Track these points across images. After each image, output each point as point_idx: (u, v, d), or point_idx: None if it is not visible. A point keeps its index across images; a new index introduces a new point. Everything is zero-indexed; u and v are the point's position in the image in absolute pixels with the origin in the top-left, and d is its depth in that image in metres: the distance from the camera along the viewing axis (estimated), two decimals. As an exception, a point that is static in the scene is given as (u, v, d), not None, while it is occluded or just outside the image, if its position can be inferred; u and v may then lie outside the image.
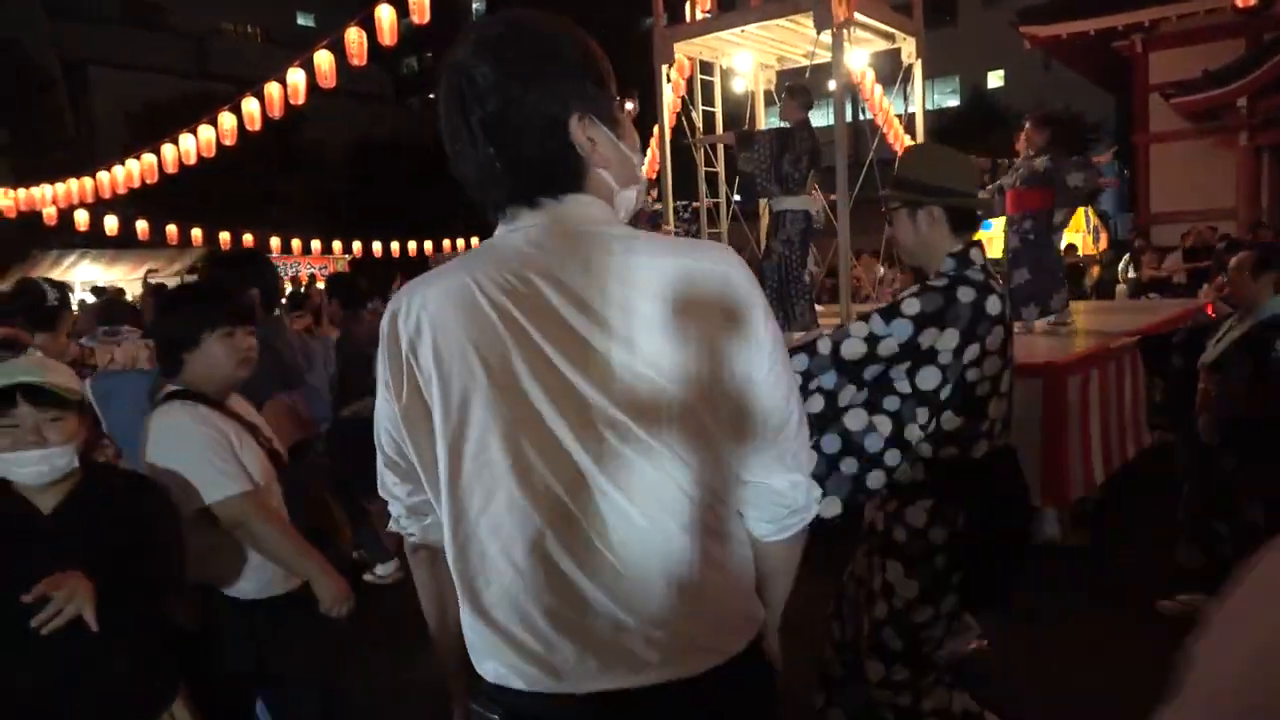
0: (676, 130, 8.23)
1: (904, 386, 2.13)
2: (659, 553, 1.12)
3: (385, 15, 8.81)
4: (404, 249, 22.42)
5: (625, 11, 27.25)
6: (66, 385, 1.90)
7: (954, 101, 28.01)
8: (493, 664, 1.18)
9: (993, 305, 2.13)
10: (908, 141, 9.31)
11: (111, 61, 29.99)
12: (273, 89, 10.00)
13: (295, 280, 18.25)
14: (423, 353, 1.14)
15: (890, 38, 7.67)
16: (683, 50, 7.84)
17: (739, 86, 8.65)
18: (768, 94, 8.74)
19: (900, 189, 2.30)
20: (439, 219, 25.95)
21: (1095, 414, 4.71)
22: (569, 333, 1.10)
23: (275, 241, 19.61)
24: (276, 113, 10.14)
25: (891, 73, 8.25)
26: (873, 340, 2.11)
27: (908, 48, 7.73)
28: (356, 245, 21.53)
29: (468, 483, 1.14)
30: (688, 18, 8.52)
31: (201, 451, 2.13)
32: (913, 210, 2.26)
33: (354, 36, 9.14)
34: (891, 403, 2.15)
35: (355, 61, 9.31)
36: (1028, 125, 6.35)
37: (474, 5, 42.59)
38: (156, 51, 31.67)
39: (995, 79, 27.91)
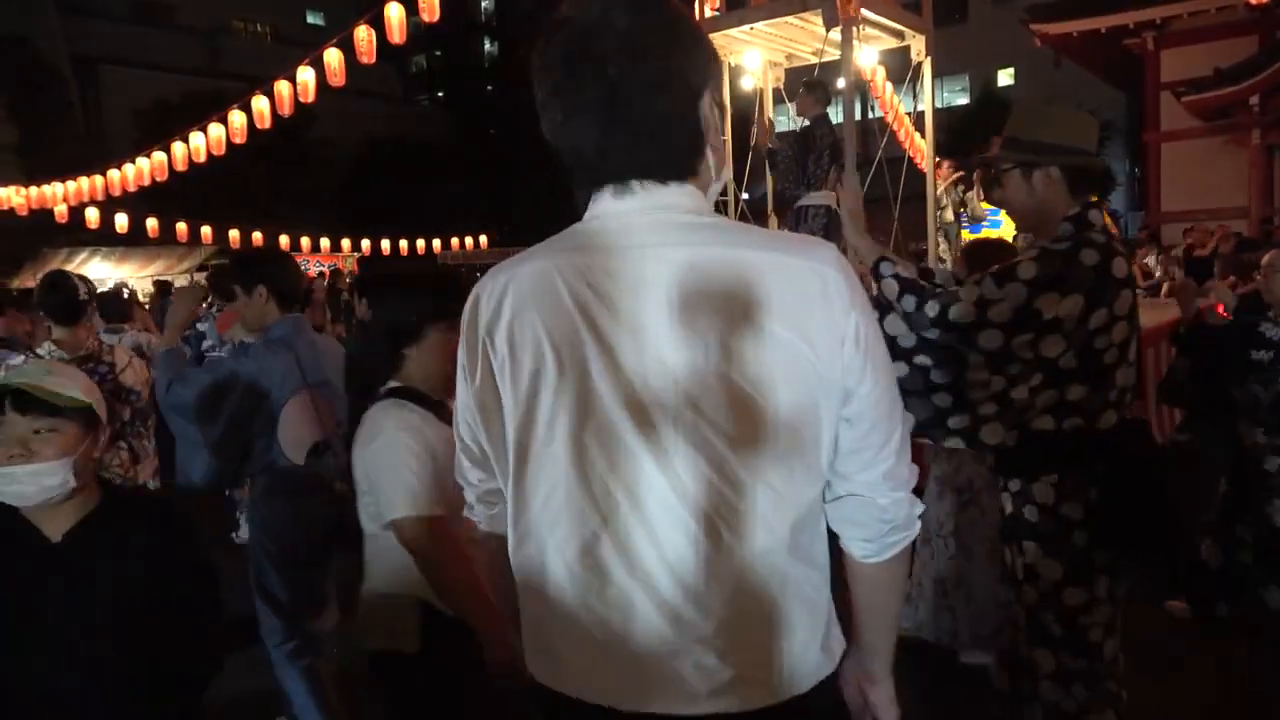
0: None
1: (1027, 354, 2.03)
2: (716, 569, 1.05)
3: (395, 13, 8.81)
4: (412, 247, 22.45)
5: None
6: (62, 391, 1.64)
7: (964, 99, 27.91)
8: (540, 664, 1.15)
9: (1118, 268, 2.00)
10: (918, 140, 9.26)
11: (121, 59, 30.14)
12: (282, 87, 10.02)
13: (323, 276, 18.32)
14: (498, 338, 1.10)
15: (899, 35, 7.64)
16: (691, 48, 7.82)
17: (748, 85, 8.63)
18: (776, 92, 8.72)
19: (1013, 149, 2.14)
20: (448, 216, 26.03)
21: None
22: (646, 326, 1.04)
23: (284, 239, 19.63)
24: (286, 111, 10.17)
25: (901, 71, 8.22)
26: (983, 305, 1.99)
27: (917, 45, 7.70)
28: (365, 243, 21.57)
29: (532, 474, 1.10)
30: (696, 15, 8.51)
31: (394, 462, 1.92)
32: (1028, 171, 2.11)
33: (363, 35, 9.15)
34: (1013, 368, 2.06)
35: (365, 60, 9.33)
36: None
37: (482, 4, 42.64)
38: (166, 49, 31.80)
39: (1005, 77, 27.81)
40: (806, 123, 6.07)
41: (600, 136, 1.06)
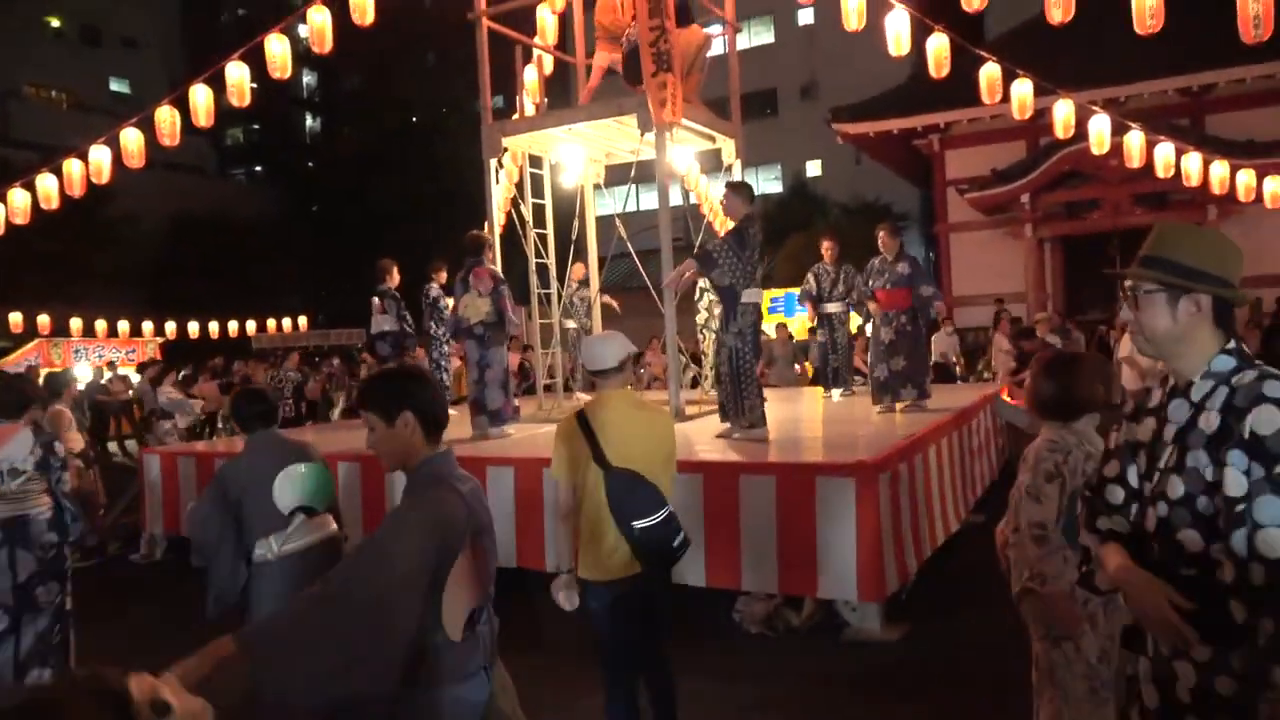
0: (507, 223, 8.26)
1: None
2: None
3: (201, 97, 8.44)
4: (224, 329, 21.27)
5: (466, 92, 27.42)
6: None
7: (778, 188, 29.66)
8: None
9: None
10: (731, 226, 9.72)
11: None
12: (72, 166, 9.33)
13: (111, 366, 16.83)
14: None
15: (711, 138, 8.05)
16: (511, 144, 7.92)
17: (568, 181, 8.81)
18: (596, 187, 8.97)
19: (1156, 269, 1.93)
20: (267, 298, 24.88)
21: (906, 505, 4.95)
22: None
23: (76, 323, 18.16)
24: (77, 192, 9.46)
25: (719, 162, 8.64)
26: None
27: (728, 148, 8.13)
28: (170, 326, 20.22)
29: None
30: (519, 108, 8.65)
31: None
32: (1174, 296, 1.91)
33: (165, 116, 8.68)
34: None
35: (167, 141, 8.82)
36: (883, 233, 7.50)
37: (305, 79, 41.78)
38: (-56, 114, 29.17)
39: (815, 168, 29.82)
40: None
41: None
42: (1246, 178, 11.13)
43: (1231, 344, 1.90)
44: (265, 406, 3.61)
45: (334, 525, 3.31)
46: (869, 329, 7.97)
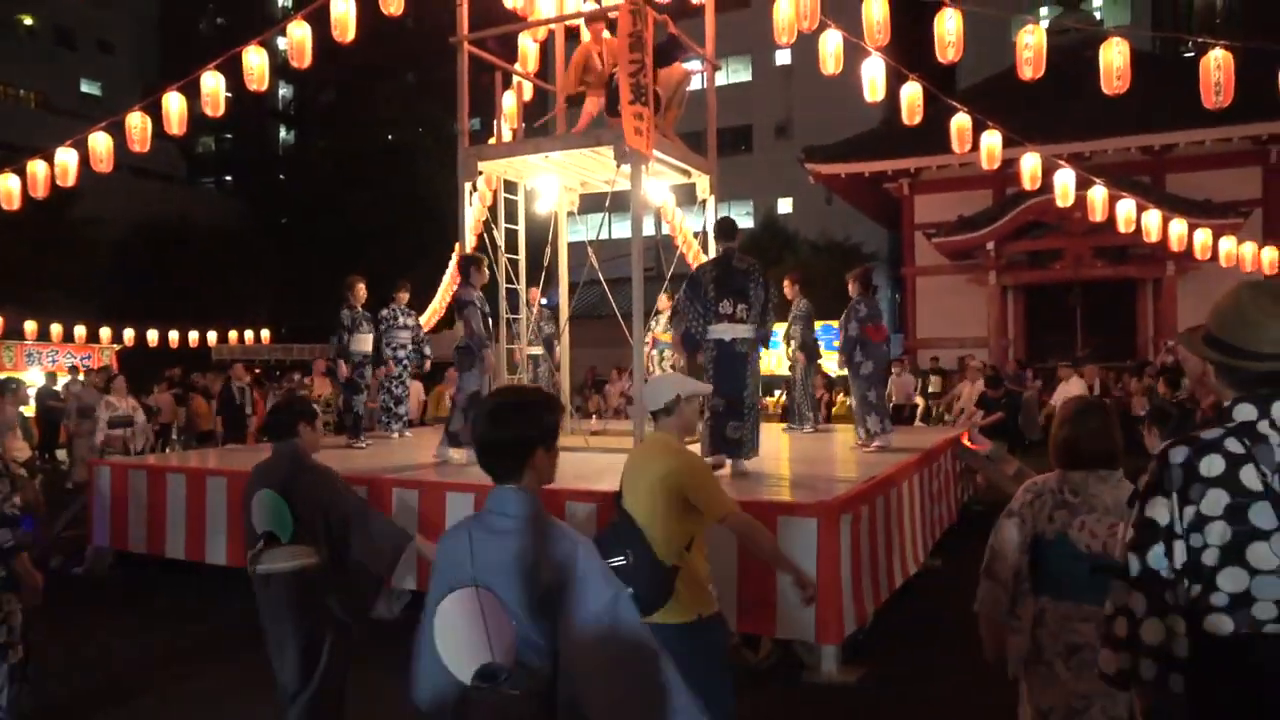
0: (478, 246, 8.23)
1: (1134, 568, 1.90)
2: None
3: (174, 104, 8.35)
4: (184, 338, 20.90)
5: (444, 112, 27.43)
6: None
7: (749, 223, 29.95)
8: None
9: (1210, 465, 1.85)
10: (704, 258, 9.78)
11: None
12: (37, 167, 9.15)
13: (69, 371, 16.45)
14: None
15: (686, 173, 8.09)
16: (487, 169, 7.92)
17: (543, 207, 8.81)
18: (570, 214, 8.98)
19: (1199, 337, 2.03)
20: (231, 309, 24.54)
21: (866, 547, 4.95)
22: None
23: (31, 326, 17.76)
24: (41, 193, 9.27)
25: (692, 194, 8.69)
26: (1130, 529, 1.93)
27: (702, 183, 8.18)
28: (129, 333, 19.81)
29: None
30: (495, 132, 8.65)
31: None
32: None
33: (136, 122, 8.57)
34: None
35: (137, 148, 8.70)
36: (850, 280, 7.57)
37: (281, 91, 41.57)
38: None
39: (786, 205, 30.17)
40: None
41: None
42: (1203, 236, 11.44)
43: (1228, 401, 1.93)
44: (277, 418, 3.49)
45: (301, 559, 3.20)
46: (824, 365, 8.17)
